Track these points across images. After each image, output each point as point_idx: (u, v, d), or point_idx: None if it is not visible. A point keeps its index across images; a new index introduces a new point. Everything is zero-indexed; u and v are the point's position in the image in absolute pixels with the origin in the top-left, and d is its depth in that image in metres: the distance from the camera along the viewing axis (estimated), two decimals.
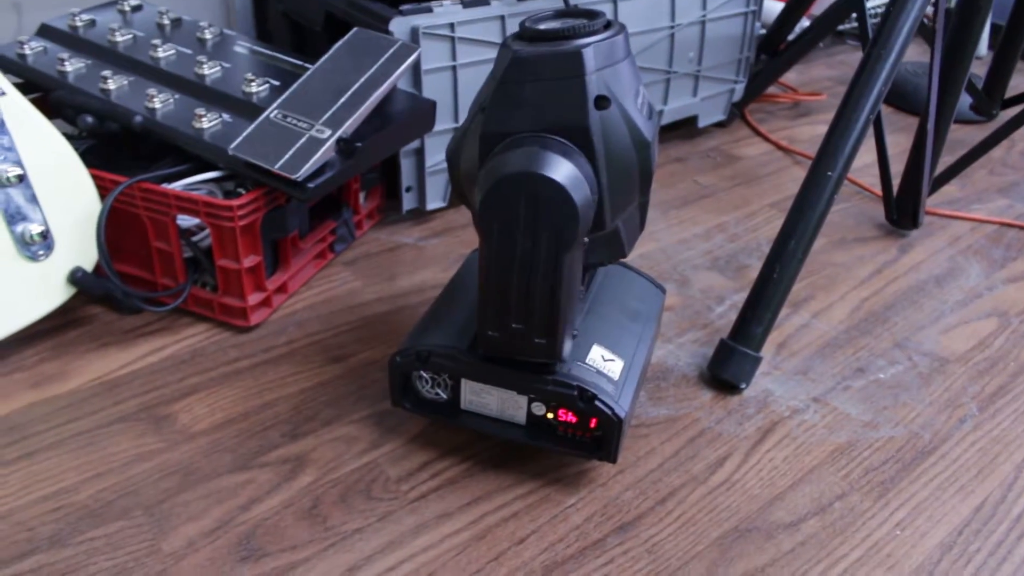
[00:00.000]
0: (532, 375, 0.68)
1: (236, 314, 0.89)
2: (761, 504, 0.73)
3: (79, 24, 1.02)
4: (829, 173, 0.84)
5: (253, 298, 0.88)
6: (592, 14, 0.62)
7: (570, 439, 0.71)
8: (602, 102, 0.59)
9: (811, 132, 1.44)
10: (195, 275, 0.90)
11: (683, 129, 1.40)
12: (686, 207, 1.18)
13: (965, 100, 1.42)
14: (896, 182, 1.13)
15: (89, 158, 0.89)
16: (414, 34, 0.98)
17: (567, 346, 0.66)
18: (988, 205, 1.23)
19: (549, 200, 0.58)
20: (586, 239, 0.63)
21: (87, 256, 0.85)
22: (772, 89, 1.55)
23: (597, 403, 0.67)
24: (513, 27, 1.04)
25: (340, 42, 0.94)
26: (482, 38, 1.03)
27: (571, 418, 0.69)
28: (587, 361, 0.70)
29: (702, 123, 1.36)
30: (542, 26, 0.61)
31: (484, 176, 0.59)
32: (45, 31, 1.03)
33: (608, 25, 0.61)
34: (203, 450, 0.76)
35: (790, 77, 1.66)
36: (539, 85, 0.59)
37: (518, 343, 0.65)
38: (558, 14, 0.65)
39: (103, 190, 0.85)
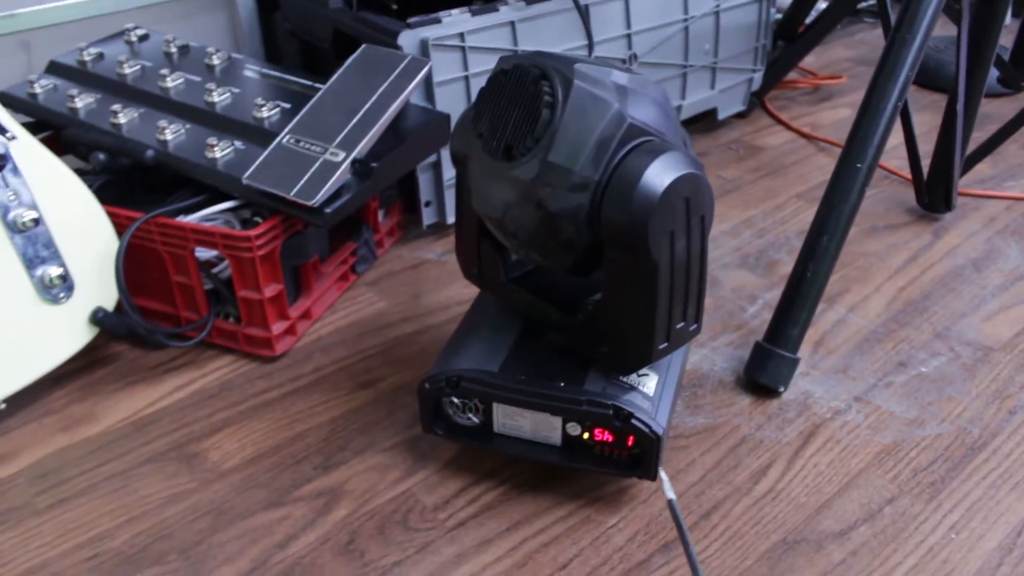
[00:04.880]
0: (566, 396, 0.66)
1: (261, 344, 0.88)
2: (808, 513, 0.71)
3: (87, 59, 1.01)
4: (859, 165, 0.82)
5: (277, 327, 0.87)
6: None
7: (608, 458, 0.69)
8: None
9: (834, 116, 1.40)
10: (217, 307, 0.89)
11: (703, 123, 1.37)
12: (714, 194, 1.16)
13: (992, 73, 1.38)
14: (925, 163, 1.10)
15: (104, 194, 0.88)
16: (424, 47, 0.96)
17: None
18: (1023, 181, 1.19)
19: (700, 193, 0.59)
20: None
21: (108, 295, 0.84)
22: (791, 75, 1.52)
23: (633, 421, 0.65)
24: (523, 32, 1.02)
25: (349, 60, 0.92)
26: (493, 45, 1.01)
27: (607, 437, 0.68)
28: (621, 377, 0.68)
29: (722, 115, 1.34)
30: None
31: (629, 199, 0.57)
32: (54, 68, 1.02)
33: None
34: (236, 487, 0.74)
35: (809, 61, 1.63)
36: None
37: (676, 341, 0.65)
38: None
39: (119, 227, 0.85)
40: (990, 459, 0.75)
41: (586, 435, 0.68)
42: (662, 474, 0.63)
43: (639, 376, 0.68)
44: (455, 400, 0.71)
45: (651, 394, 0.67)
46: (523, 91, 0.60)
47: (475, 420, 0.71)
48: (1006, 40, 1.35)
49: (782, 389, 0.82)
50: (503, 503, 0.72)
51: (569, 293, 0.70)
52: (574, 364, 0.69)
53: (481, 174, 0.63)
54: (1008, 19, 1.75)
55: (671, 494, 0.59)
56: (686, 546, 0.58)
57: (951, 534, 0.68)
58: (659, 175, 0.57)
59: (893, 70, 0.84)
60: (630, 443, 0.67)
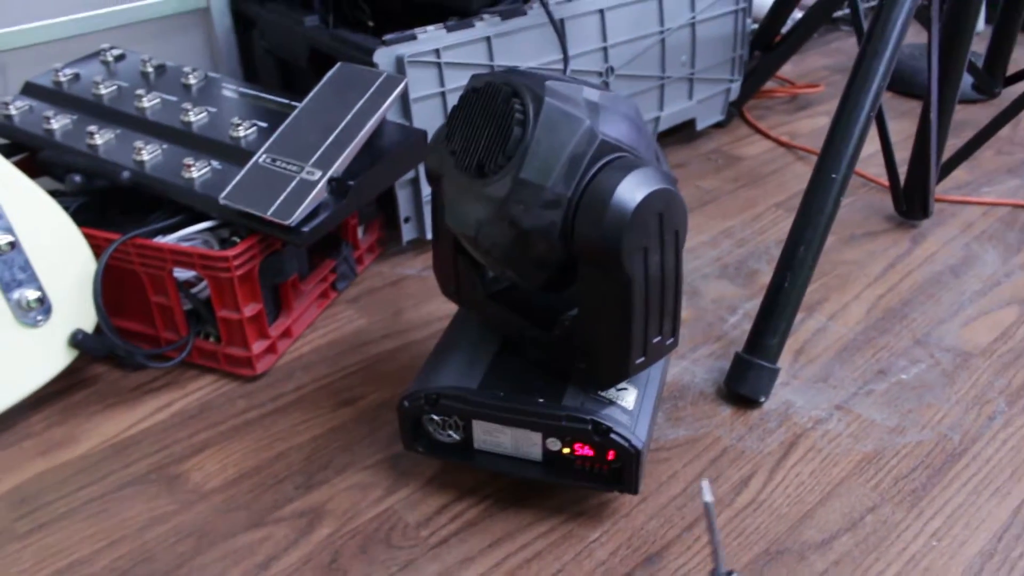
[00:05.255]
0: (545, 411, 0.66)
1: (241, 364, 0.88)
2: (791, 523, 0.71)
3: (63, 79, 1.01)
4: (833, 175, 0.82)
5: (257, 346, 0.87)
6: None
7: (589, 472, 0.69)
8: None
9: (812, 125, 1.41)
10: (197, 327, 0.88)
11: (681, 133, 1.38)
12: (691, 214, 1.16)
13: (966, 79, 1.39)
14: (902, 170, 1.10)
15: (81, 216, 0.88)
16: (399, 64, 0.96)
17: None
18: (999, 187, 1.20)
19: (673, 208, 0.60)
20: None
21: (87, 317, 0.84)
22: (769, 84, 1.53)
23: (612, 436, 0.65)
24: (499, 48, 1.03)
25: (324, 79, 0.92)
26: (469, 61, 1.01)
27: (588, 451, 0.68)
28: (600, 392, 0.68)
29: (700, 125, 1.34)
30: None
31: (601, 215, 0.57)
32: (30, 89, 1.02)
33: None
34: (217, 509, 0.74)
35: (786, 70, 1.64)
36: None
37: (653, 355, 0.65)
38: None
39: (97, 248, 0.84)
40: (970, 465, 0.76)
41: (566, 450, 0.68)
42: (704, 482, 0.63)
43: (618, 390, 0.68)
44: (435, 417, 0.70)
45: (630, 408, 0.67)
46: (494, 109, 0.60)
47: (455, 437, 0.71)
48: (980, 47, 1.36)
49: (763, 399, 0.83)
50: (485, 519, 0.72)
51: (546, 309, 0.70)
52: (553, 380, 0.69)
53: (454, 192, 0.63)
54: (981, 25, 1.76)
55: (709, 497, 0.59)
56: (714, 545, 0.58)
57: (933, 541, 0.69)
58: (631, 191, 0.57)
59: (865, 81, 0.85)
60: (610, 457, 0.67)
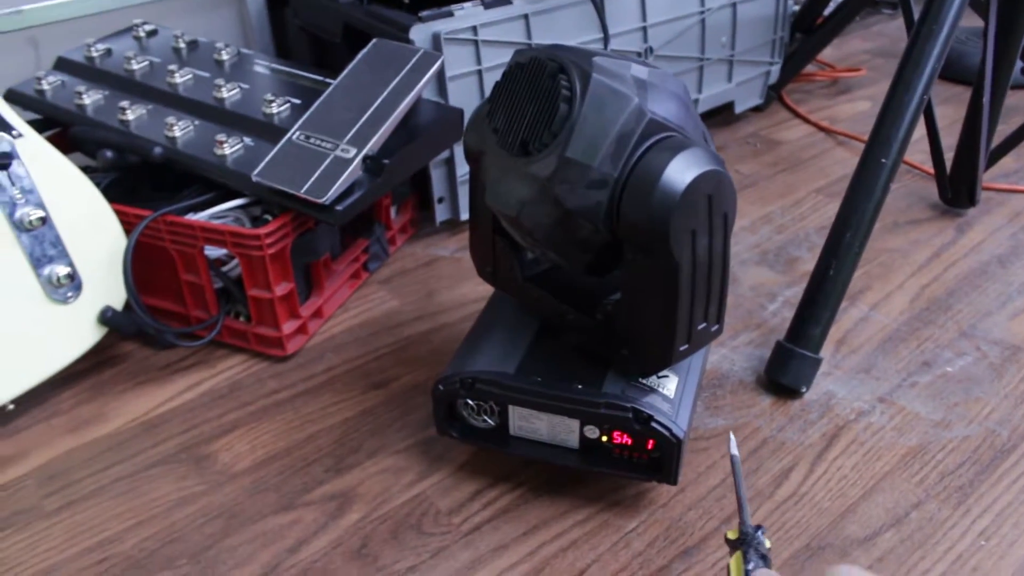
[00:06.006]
0: (583, 398, 0.64)
1: (272, 344, 0.86)
2: (832, 518, 0.69)
3: (95, 55, 1.00)
4: (883, 160, 0.80)
5: (288, 326, 0.86)
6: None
7: (627, 461, 0.67)
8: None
9: (852, 110, 1.38)
10: (227, 306, 0.87)
11: (720, 116, 1.35)
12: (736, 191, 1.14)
13: (1017, 65, 1.35)
14: (948, 157, 1.07)
15: (111, 192, 0.87)
16: (436, 41, 0.94)
17: None
18: None
19: (722, 190, 0.58)
20: None
21: (116, 294, 0.83)
22: (809, 67, 1.49)
23: (654, 424, 0.63)
24: (537, 25, 1.00)
25: (359, 55, 0.91)
26: (506, 39, 0.99)
27: (627, 440, 0.66)
28: (640, 379, 0.66)
29: (739, 109, 1.32)
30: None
31: (649, 196, 0.55)
32: (62, 64, 1.01)
33: None
34: (246, 490, 0.73)
35: (826, 53, 1.60)
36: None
37: (698, 342, 0.64)
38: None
39: (128, 225, 0.83)
40: (1020, 462, 0.73)
41: (604, 438, 0.66)
42: (731, 435, 0.61)
43: (659, 378, 0.66)
44: (470, 402, 0.69)
45: (671, 396, 0.65)
46: (540, 85, 0.58)
47: (490, 422, 0.70)
48: None
49: (804, 390, 0.80)
50: (519, 507, 0.70)
51: (587, 293, 0.69)
52: (592, 365, 0.67)
53: (496, 170, 0.61)
54: None
55: (735, 450, 0.58)
56: (740, 498, 0.57)
57: (980, 541, 0.66)
58: (680, 172, 0.55)
59: (919, 63, 0.82)
60: (650, 446, 0.65)
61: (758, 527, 0.55)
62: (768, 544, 0.54)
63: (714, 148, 0.63)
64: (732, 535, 0.55)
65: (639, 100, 0.57)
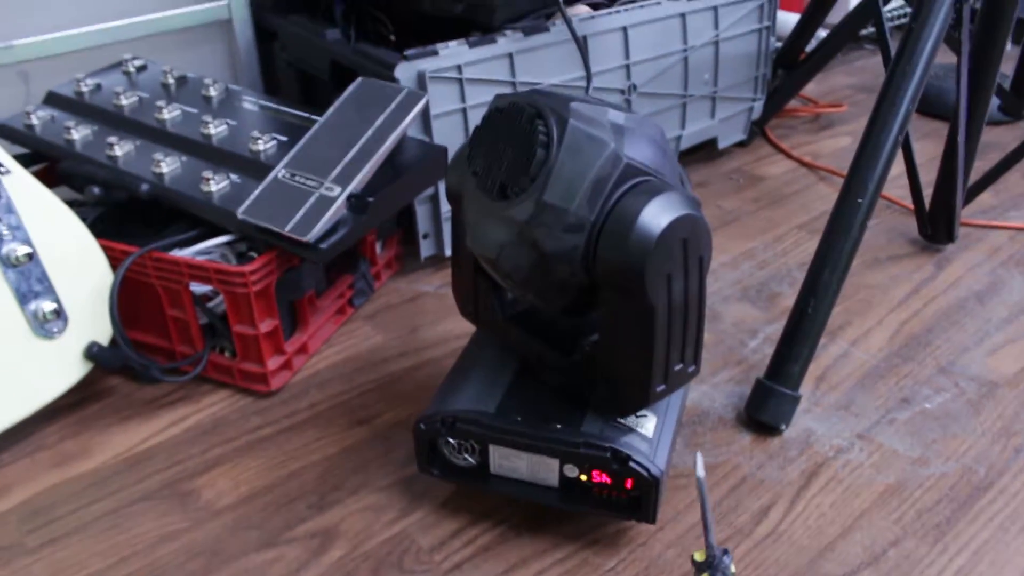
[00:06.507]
0: (562, 438, 0.65)
1: (256, 379, 0.87)
2: (811, 556, 0.69)
3: (85, 89, 1.01)
4: (859, 200, 0.81)
5: (273, 362, 0.86)
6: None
7: (606, 500, 0.68)
8: None
9: (834, 145, 1.40)
10: (213, 341, 0.88)
11: (703, 152, 1.37)
12: (712, 235, 1.15)
13: (993, 101, 1.37)
14: (927, 193, 1.09)
15: (98, 227, 0.88)
16: (420, 79, 0.95)
17: None
18: None
19: (698, 233, 0.59)
20: None
21: (102, 329, 0.83)
22: (792, 103, 1.52)
23: (631, 464, 0.64)
24: (521, 64, 1.02)
25: (345, 93, 0.92)
26: (491, 77, 1.00)
27: (605, 479, 0.66)
28: (619, 419, 0.67)
29: (722, 144, 1.33)
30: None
31: (625, 240, 0.56)
32: (52, 99, 1.02)
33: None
34: (229, 527, 0.73)
35: (809, 88, 1.62)
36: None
37: (674, 383, 0.64)
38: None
39: (114, 261, 0.84)
40: (997, 499, 0.74)
41: (584, 477, 0.67)
42: (698, 455, 0.62)
43: (637, 417, 0.67)
44: (451, 441, 0.69)
45: (649, 436, 0.66)
46: (518, 130, 0.59)
47: (471, 461, 0.70)
48: (1007, 67, 1.34)
49: (783, 427, 0.81)
50: (500, 545, 0.71)
51: (566, 333, 0.69)
52: (571, 405, 0.68)
53: (476, 213, 0.62)
54: (1008, 46, 1.74)
55: (702, 472, 0.59)
56: (705, 521, 0.58)
57: None
58: (656, 216, 0.56)
59: (894, 102, 0.83)
60: (629, 485, 0.66)
61: (724, 551, 0.55)
62: (733, 569, 0.55)
63: (691, 190, 0.64)
64: (699, 557, 0.56)
65: (615, 145, 0.58)
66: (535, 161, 0.58)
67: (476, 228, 0.62)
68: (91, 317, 0.83)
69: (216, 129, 0.93)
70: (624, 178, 0.58)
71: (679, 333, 0.61)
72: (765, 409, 0.80)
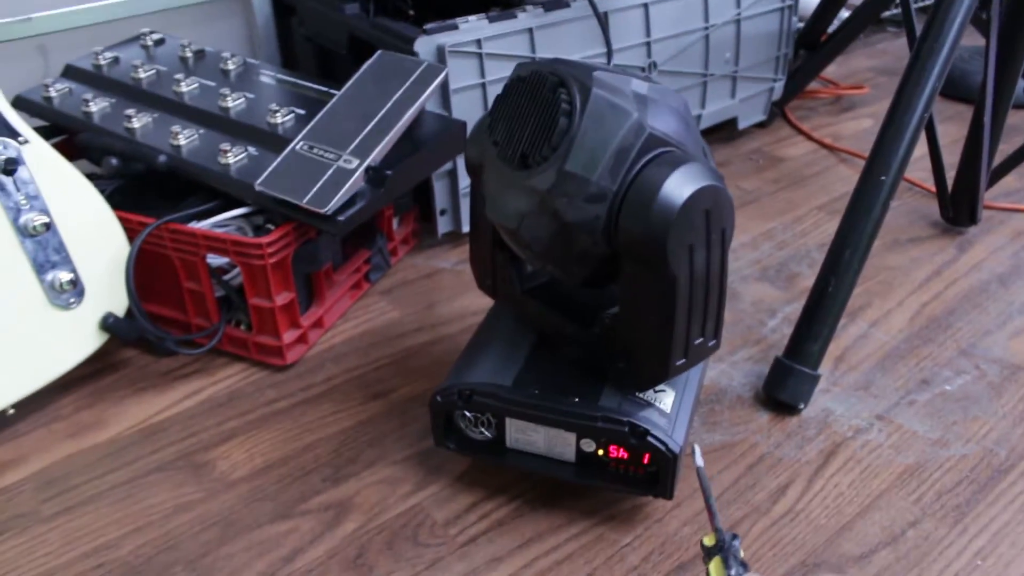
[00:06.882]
0: (580, 411, 0.65)
1: (272, 353, 0.87)
2: (828, 535, 0.69)
3: (103, 63, 1.01)
4: (883, 178, 0.80)
5: (288, 336, 0.86)
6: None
7: (623, 475, 0.67)
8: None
9: (856, 127, 1.38)
10: (228, 314, 0.88)
11: (723, 132, 1.35)
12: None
13: (1019, 84, 1.35)
14: (950, 175, 1.07)
15: (116, 199, 0.88)
16: (440, 53, 0.95)
17: None
18: None
19: (720, 205, 0.58)
20: None
21: (118, 300, 0.83)
22: (813, 84, 1.50)
23: (649, 439, 0.63)
24: (541, 39, 1.01)
25: (364, 67, 0.91)
26: (510, 52, 1.00)
27: (623, 454, 0.66)
28: (637, 393, 0.66)
29: (742, 125, 1.32)
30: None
31: (647, 211, 0.56)
32: (70, 72, 1.02)
33: None
34: (243, 498, 0.73)
35: (830, 70, 1.61)
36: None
37: (695, 357, 0.64)
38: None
39: (131, 232, 0.84)
40: (1018, 482, 0.73)
41: (601, 452, 0.67)
42: (696, 446, 0.62)
43: (656, 392, 0.67)
44: (467, 414, 0.69)
45: (668, 411, 0.66)
46: (540, 98, 0.58)
47: (487, 434, 0.70)
48: None
49: (802, 406, 0.80)
50: (515, 519, 0.71)
51: (585, 306, 0.69)
52: (589, 379, 0.67)
53: (496, 183, 0.61)
54: None
55: (700, 462, 0.60)
56: (709, 507, 0.58)
57: (977, 560, 0.66)
58: (679, 187, 0.55)
59: (919, 81, 0.82)
60: (646, 461, 0.65)
61: (734, 535, 0.55)
62: (742, 554, 0.55)
63: (714, 164, 0.63)
64: (709, 541, 0.56)
65: (639, 115, 0.57)
66: (557, 130, 0.57)
67: (497, 198, 0.61)
68: (107, 288, 0.83)
69: (234, 102, 0.93)
70: (647, 148, 0.57)
71: (700, 306, 0.60)
72: (784, 388, 0.80)
